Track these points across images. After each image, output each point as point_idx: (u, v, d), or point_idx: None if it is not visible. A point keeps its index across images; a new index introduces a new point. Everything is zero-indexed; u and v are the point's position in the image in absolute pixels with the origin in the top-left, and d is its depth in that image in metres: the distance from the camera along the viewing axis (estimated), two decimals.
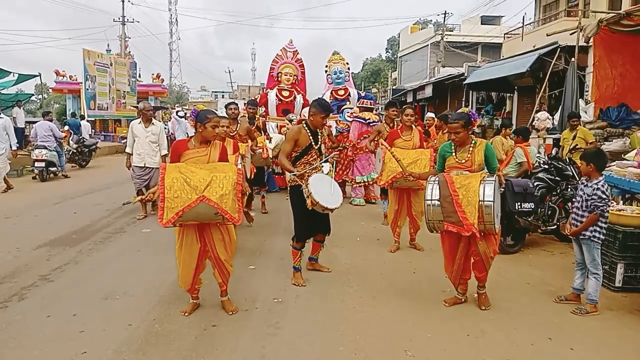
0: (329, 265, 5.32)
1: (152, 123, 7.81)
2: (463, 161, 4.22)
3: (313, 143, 4.76)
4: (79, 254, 5.78)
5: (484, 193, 3.90)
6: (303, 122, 4.96)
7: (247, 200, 7.49)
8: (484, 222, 3.92)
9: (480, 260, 4.16)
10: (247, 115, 7.98)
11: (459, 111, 6.37)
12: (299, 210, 4.74)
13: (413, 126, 6.24)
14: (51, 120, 13.22)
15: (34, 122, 16.63)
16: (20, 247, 5.95)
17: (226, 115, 6.46)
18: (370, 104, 9.71)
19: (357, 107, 9.83)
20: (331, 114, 5.15)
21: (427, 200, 4.06)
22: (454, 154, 4.29)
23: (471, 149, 4.24)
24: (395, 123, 6.95)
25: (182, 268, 4.04)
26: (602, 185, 4.22)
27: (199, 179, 3.71)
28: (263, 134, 8.16)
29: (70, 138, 15.11)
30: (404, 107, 6.54)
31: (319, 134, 4.83)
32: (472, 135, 4.33)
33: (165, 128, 8.71)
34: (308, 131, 4.76)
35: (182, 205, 3.64)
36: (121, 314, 4.08)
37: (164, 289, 4.61)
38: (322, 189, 4.45)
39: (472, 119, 4.27)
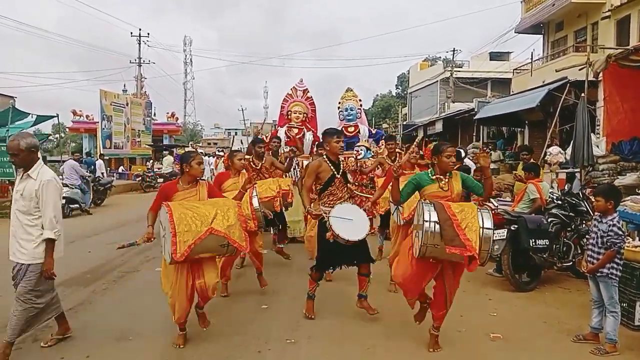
0: (343, 304, 5.29)
1: (29, 175, 3.88)
2: (445, 189, 4.17)
3: (335, 173, 4.81)
4: (92, 294, 5.81)
5: (483, 221, 3.85)
6: (324, 154, 5.02)
7: (279, 236, 7.59)
8: (481, 250, 3.83)
9: (444, 294, 4.10)
10: (271, 150, 8.22)
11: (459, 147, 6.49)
12: (323, 242, 4.63)
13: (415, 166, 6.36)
14: (77, 160, 13.86)
15: (52, 162, 16.99)
16: None
17: (240, 150, 6.67)
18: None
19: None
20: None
21: (426, 221, 3.79)
22: (436, 182, 4.21)
23: (449, 178, 4.23)
24: (398, 156, 6.98)
25: (179, 303, 4.14)
26: (618, 222, 4.21)
27: (204, 212, 3.88)
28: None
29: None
30: (408, 145, 6.42)
31: (341, 162, 4.88)
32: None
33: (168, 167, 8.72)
34: (329, 162, 4.82)
35: (193, 238, 3.78)
36: (134, 355, 4.09)
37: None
38: (346, 220, 4.45)
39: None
